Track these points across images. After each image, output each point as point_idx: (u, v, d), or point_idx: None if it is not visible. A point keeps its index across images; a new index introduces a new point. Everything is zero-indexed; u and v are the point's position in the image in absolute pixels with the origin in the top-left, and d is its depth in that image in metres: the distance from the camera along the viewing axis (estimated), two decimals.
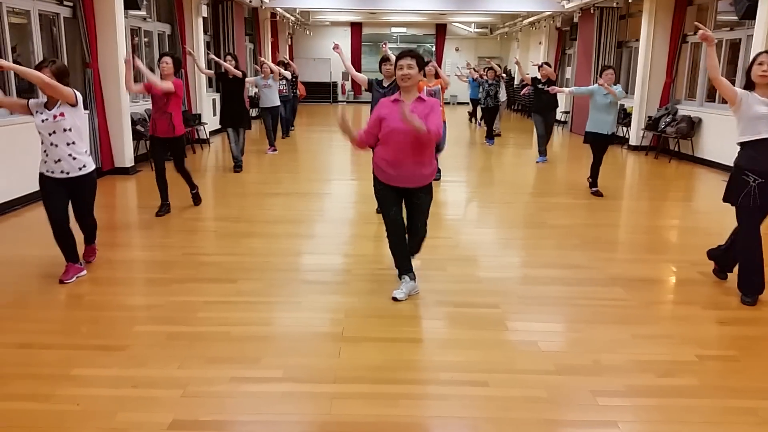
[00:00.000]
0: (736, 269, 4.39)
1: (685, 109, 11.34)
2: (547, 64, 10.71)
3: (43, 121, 4.30)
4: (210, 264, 4.92)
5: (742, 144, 4.12)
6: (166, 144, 6.31)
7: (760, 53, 4.04)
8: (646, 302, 4.28)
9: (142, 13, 10.30)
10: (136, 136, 9.17)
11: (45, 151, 4.34)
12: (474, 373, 3.23)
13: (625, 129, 13.04)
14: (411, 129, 3.75)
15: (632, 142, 12.39)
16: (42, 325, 3.81)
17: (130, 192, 7.98)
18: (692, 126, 10.78)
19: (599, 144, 7.63)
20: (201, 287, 4.41)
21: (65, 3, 8.04)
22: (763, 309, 4.17)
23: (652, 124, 11.82)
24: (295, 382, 3.12)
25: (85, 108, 8.12)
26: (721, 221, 7.02)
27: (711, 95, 11.15)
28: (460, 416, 2.86)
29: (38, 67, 4.25)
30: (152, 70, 11.06)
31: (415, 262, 4.95)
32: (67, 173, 4.36)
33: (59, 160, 4.33)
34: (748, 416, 2.88)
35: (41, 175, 4.41)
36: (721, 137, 9.99)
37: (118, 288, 4.45)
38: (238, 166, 9.09)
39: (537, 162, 10.43)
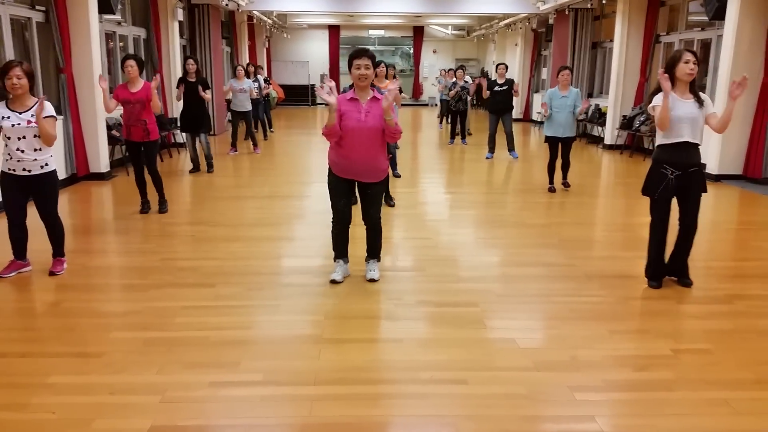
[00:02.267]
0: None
1: None
2: (504, 65, 10.90)
3: (13, 125, 4.32)
4: (188, 269, 4.89)
5: (662, 145, 4.31)
6: (141, 147, 6.45)
7: (686, 51, 4.20)
8: (622, 298, 4.35)
9: (117, 17, 10.20)
10: (111, 141, 9.06)
11: (9, 153, 4.39)
12: (454, 372, 3.25)
13: (600, 128, 13.20)
14: (375, 127, 4.13)
15: (607, 141, 12.55)
16: (17, 333, 3.75)
17: (105, 197, 7.89)
18: None
19: (566, 145, 7.85)
20: (179, 292, 4.38)
21: (37, 7, 7.93)
22: (735, 303, 4.25)
23: (626, 123, 11.99)
24: (275, 385, 3.11)
25: (60, 113, 8.08)
26: None
27: None
28: (441, 414, 2.88)
29: (7, 67, 4.29)
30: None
31: (399, 262, 4.98)
32: (29, 171, 4.43)
33: (20, 160, 4.40)
34: (722, 407, 2.94)
35: (2, 172, 4.48)
36: None
37: (95, 294, 4.40)
38: (196, 168, 9.30)
39: (486, 158, 10.89)
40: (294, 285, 4.56)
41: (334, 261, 4.62)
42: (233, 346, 3.52)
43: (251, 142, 11.49)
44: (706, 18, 9.59)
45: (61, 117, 8.09)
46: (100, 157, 8.66)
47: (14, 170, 4.42)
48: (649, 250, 4.56)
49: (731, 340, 3.70)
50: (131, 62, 6.16)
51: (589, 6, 13.77)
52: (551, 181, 8.09)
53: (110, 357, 3.39)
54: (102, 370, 3.24)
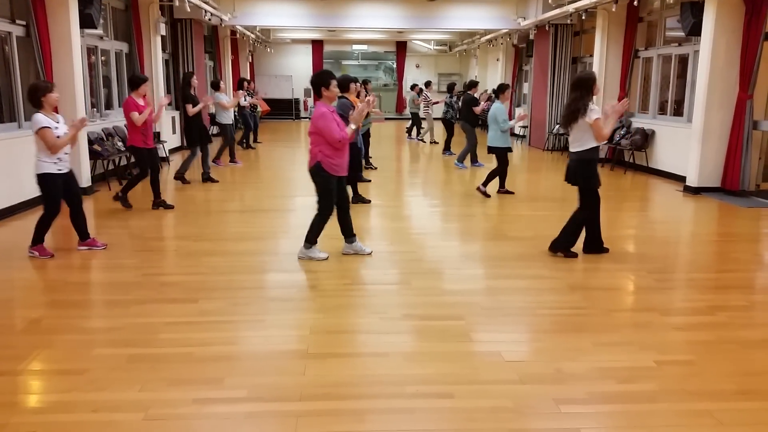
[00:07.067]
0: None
1: (638, 122, 11.69)
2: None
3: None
4: (171, 284, 4.84)
5: (594, 147, 5.40)
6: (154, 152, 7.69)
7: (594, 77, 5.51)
8: (606, 310, 4.38)
9: (99, 31, 10.15)
10: (93, 155, 8.98)
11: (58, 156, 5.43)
12: (440, 386, 3.25)
13: None
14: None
15: None
16: None
17: (87, 212, 7.75)
18: (646, 138, 11.12)
19: (508, 155, 8.74)
20: (162, 308, 4.33)
21: (18, 22, 7.86)
22: (717, 314, 4.31)
23: None
24: (260, 401, 3.09)
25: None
26: (676, 229, 7.24)
27: (663, 108, 11.53)
28: (427, 429, 2.87)
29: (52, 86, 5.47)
30: (109, 87, 10.91)
31: (386, 275, 5.00)
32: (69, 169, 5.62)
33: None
34: (705, 418, 2.97)
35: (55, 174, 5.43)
36: (673, 148, 10.33)
37: (76, 311, 4.34)
38: (211, 178, 9.90)
39: (474, 166, 11.70)
40: (279, 299, 4.54)
41: (350, 242, 5.61)
42: (217, 363, 3.49)
43: (228, 152, 11.77)
44: (683, 34, 9.78)
45: None
46: (82, 172, 8.56)
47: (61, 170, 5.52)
48: (592, 228, 5.68)
49: (714, 351, 3.74)
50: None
51: (568, 22, 13.98)
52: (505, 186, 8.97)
53: (93, 374, 3.34)
54: (84, 387, 3.20)
